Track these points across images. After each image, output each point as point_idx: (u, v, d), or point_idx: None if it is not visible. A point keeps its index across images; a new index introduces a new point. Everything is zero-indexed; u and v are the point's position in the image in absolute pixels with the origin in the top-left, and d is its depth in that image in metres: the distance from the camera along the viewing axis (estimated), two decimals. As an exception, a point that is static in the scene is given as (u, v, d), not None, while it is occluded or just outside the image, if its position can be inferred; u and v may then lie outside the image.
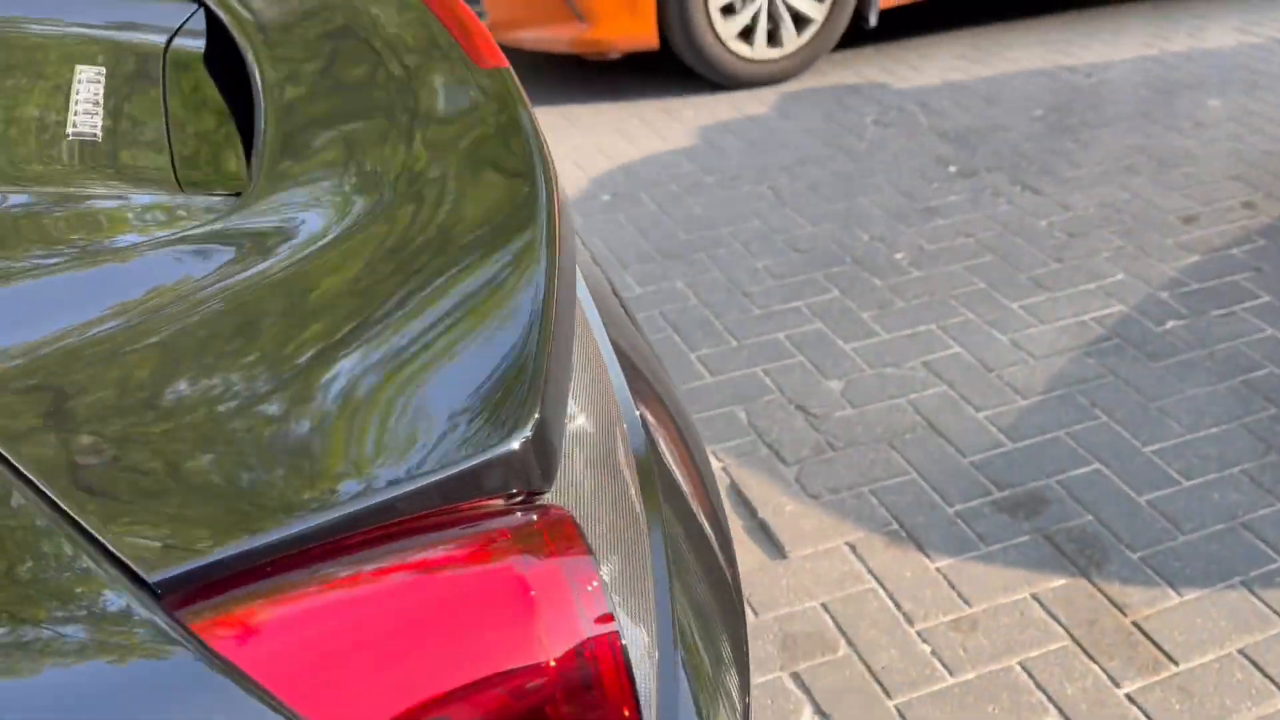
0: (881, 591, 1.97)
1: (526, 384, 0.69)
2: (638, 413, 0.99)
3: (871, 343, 2.67)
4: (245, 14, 1.36)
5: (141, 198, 0.99)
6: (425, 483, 0.61)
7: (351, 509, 0.59)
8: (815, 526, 2.13)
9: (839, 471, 2.26)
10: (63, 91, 1.20)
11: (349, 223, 0.85)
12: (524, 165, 0.95)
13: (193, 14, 1.42)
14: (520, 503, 0.66)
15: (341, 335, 0.72)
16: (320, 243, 0.82)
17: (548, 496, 0.77)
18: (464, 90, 1.11)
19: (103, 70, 1.26)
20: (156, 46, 1.34)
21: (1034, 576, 1.97)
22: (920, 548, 2.06)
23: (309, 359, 0.70)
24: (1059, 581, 1.96)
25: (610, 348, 1.02)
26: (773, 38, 4.28)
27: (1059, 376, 2.49)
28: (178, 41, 1.36)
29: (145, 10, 1.45)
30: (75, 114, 1.15)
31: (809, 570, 2.03)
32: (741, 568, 2.04)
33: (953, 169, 3.53)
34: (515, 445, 0.66)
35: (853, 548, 2.07)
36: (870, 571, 2.02)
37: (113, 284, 0.77)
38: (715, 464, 2.31)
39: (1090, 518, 2.09)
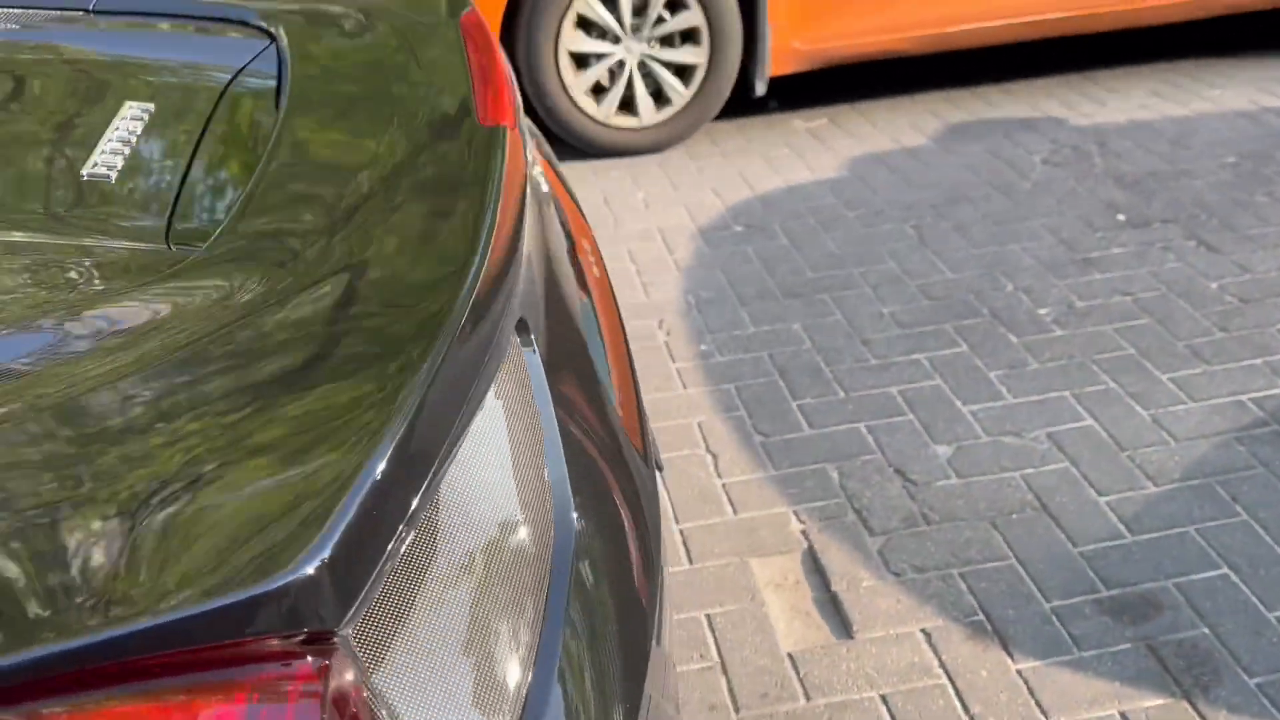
0: (951, 690, 1.83)
1: (331, 508, 0.64)
2: (575, 516, 0.93)
3: (993, 406, 2.50)
4: (301, 52, 1.35)
5: (104, 249, 0.98)
6: (171, 618, 0.57)
7: (70, 645, 0.55)
8: (891, 607, 2.00)
9: (929, 548, 2.12)
10: (100, 128, 1.21)
11: (257, 300, 0.83)
12: (462, 243, 0.91)
13: (261, 52, 1.40)
14: (303, 642, 0.61)
15: (151, 433, 0.69)
16: (210, 323, 0.80)
17: (414, 619, 0.72)
18: (449, 151, 1.09)
19: (150, 108, 1.26)
20: (217, 85, 1.32)
21: (1127, 692, 1.79)
22: (1004, 644, 1.90)
23: (109, 454, 0.67)
24: (1155, 701, 1.77)
25: (559, 445, 0.95)
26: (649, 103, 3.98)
27: (1200, 463, 2.27)
28: (242, 80, 1.34)
29: (219, 46, 1.45)
30: (101, 152, 1.16)
31: (875, 655, 1.91)
32: (802, 645, 1.94)
33: (1122, 218, 3.29)
34: (303, 574, 0.61)
35: (928, 636, 1.93)
36: (942, 665, 1.88)
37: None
38: (794, 525, 2.20)
39: (1206, 630, 1.88)
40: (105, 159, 1.15)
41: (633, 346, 2.85)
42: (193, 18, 1.53)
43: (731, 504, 2.28)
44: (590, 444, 1.02)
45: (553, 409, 0.97)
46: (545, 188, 1.40)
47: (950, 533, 2.15)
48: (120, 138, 1.19)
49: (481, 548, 0.84)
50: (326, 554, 0.63)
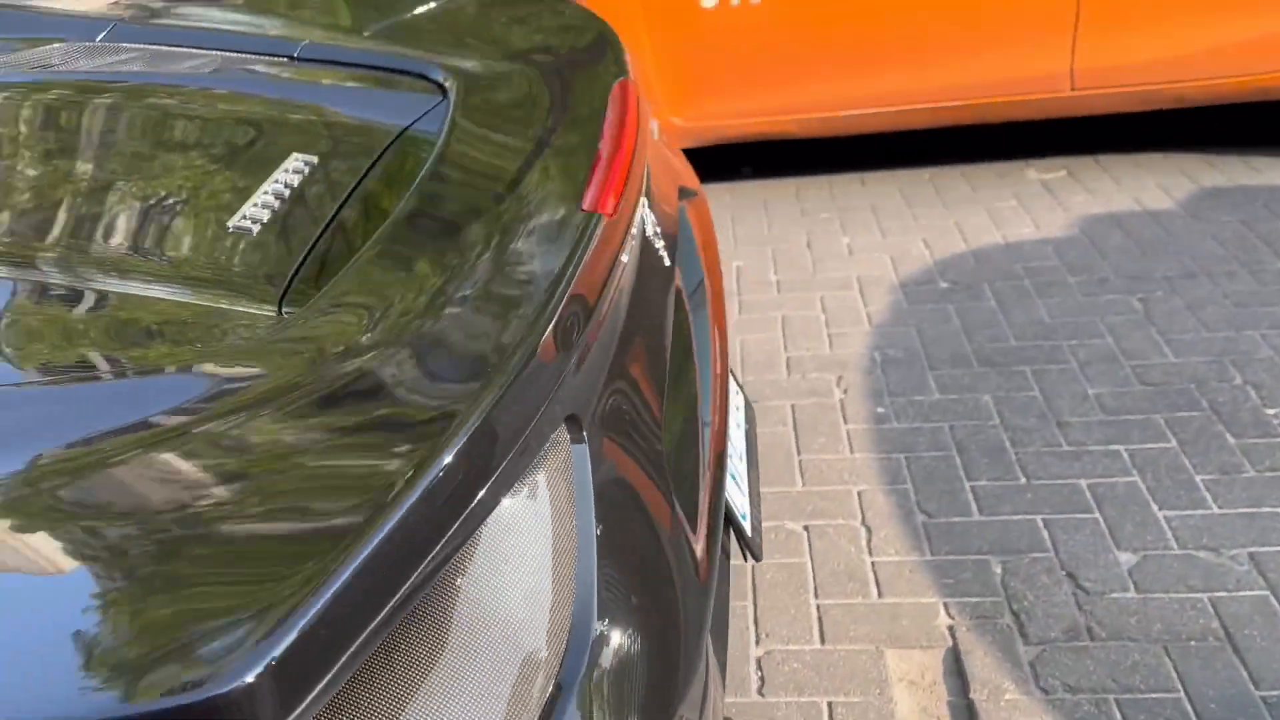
0: (1081, 831, 1.70)
1: (287, 613, 0.66)
2: (595, 622, 0.91)
3: (1193, 515, 2.30)
4: (461, 113, 1.37)
5: (214, 310, 1.02)
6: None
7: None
8: (1031, 726, 1.87)
9: (1087, 667, 1.97)
10: (262, 178, 1.25)
11: (293, 382, 0.86)
12: (512, 334, 0.92)
13: (430, 110, 1.43)
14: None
15: (125, 517, 0.73)
16: (262, 399, 0.83)
17: None
18: (542, 235, 1.09)
19: (313, 161, 1.29)
20: (380, 142, 1.35)
21: None
22: (1152, 790, 1.75)
23: (74, 537, 0.71)
24: None
25: (592, 548, 0.94)
26: None
27: None
28: (405, 138, 1.35)
29: (397, 101, 1.48)
30: (253, 204, 1.19)
31: (1003, 778, 1.79)
32: (925, 752, 1.84)
33: (1389, 312, 2.97)
34: (240, 683, 0.63)
35: (1067, 765, 1.80)
36: (1077, 801, 1.74)
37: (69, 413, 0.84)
38: (942, 619, 2.10)
39: (1401, 816, 1.66)
40: (254, 211, 1.17)
41: (805, 401, 2.80)
42: (386, 69, 1.58)
43: (878, 585, 2.20)
44: (635, 549, 1.00)
45: (593, 509, 0.96)
46: (667, 261, 1.39)
47: (1115, 653, 1.99)
48: (275, 190, 1.22)
49: (475, 649, 0.84)
50: (274, 657, 0.64)
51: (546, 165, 1.25)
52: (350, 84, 1.56)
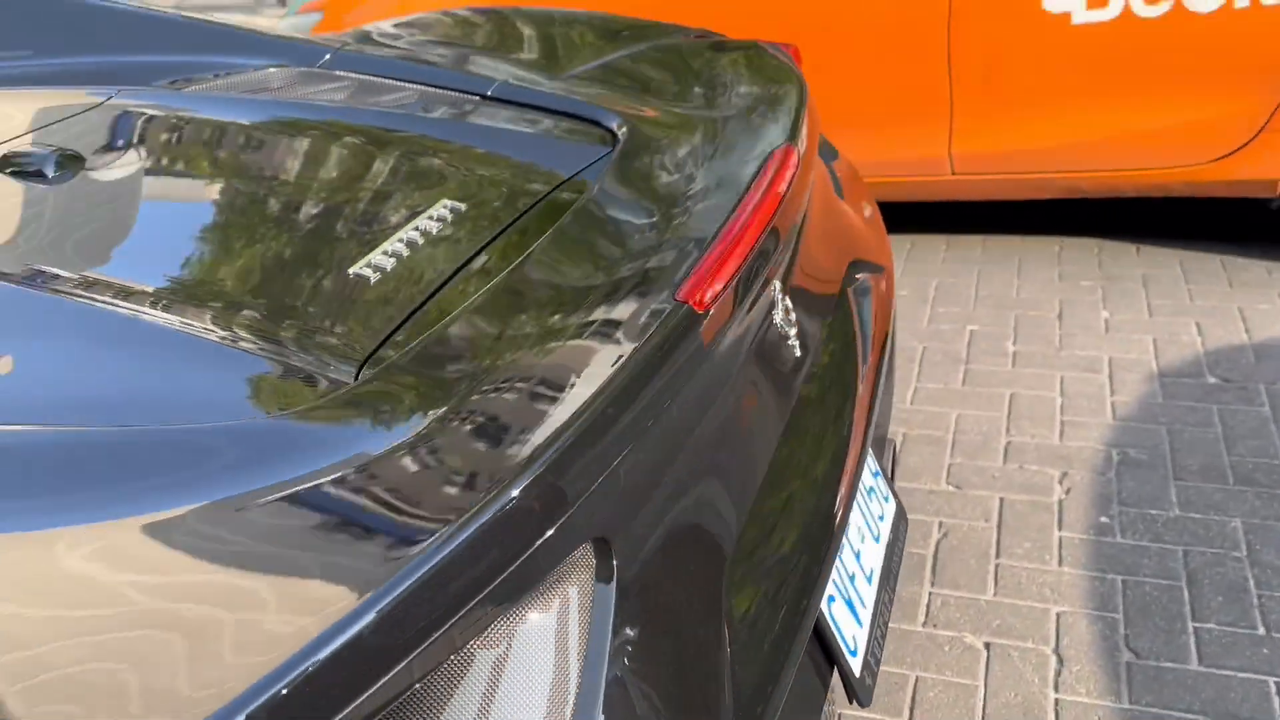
0: None
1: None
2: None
3: None
4: (615, 171, 1.30)
5: (288, 366, 0.96)
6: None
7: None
8: None
9: None
10: (404, 221, 1.20)
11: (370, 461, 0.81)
12: (539, 438, 0.83)
13: (593, 163, 1.38)
14: None
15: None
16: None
17: None
18: (630, 321, 0.98)
19: (460, 208, 1.24)
20: (532, 195, 1.30)
21: None
22: None
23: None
24: None
25: (597, 699, 0.82)
26: None
27: None
28: (558, 192, 1.30)
29: (566, 151, 1.43)
30: (382, 250, 1.14)
31: None
32: None
33: None
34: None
35: None
36: None
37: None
38: (1126, 786, 1.83)
39: None
40: (381, 258, 1.12)
41: (1017, 497, 2.54)
42: (569, 115, 1.54)
43: (1057, 728, 1.95)
44: (654, 706, 0.87)
45: (607, 655, 0.84)
46: (798, 352, 1.24)
47: None
48: (410, 238, 1.17)
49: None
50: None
51: (666, 243, 1.14)
52: (528, 128, 1.52)
